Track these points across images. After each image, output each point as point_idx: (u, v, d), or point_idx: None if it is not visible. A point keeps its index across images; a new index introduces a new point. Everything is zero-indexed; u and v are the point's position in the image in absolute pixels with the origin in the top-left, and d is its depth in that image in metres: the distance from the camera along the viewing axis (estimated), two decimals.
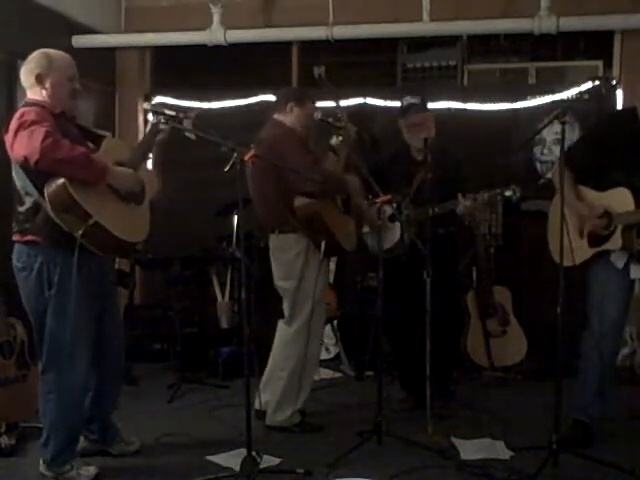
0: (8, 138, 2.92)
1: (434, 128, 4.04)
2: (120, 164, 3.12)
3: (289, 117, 3.82)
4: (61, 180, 2.86)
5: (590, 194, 3.51)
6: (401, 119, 4.12)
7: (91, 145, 3.15)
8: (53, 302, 3.04)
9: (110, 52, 5.88)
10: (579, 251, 3.41)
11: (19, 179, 2.99)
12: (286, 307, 3.87)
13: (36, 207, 2.97)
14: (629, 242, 3.36)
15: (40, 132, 2.79)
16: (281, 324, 3.92)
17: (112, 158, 3.09)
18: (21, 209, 3.01)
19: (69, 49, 5.16)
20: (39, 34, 4.96)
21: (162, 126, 3.29)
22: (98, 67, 5.69)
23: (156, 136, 3.30)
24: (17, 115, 2.91)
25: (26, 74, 3.10)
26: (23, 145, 2.82)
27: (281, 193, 3.72)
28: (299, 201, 3.69)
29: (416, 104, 4.04)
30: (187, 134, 3.36)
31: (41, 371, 3.17)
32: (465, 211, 3.90)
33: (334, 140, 3.83)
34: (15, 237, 3.06)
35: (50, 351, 3.10)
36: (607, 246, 3.42)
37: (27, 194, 2.98)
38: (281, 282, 3.87)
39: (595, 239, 3.47)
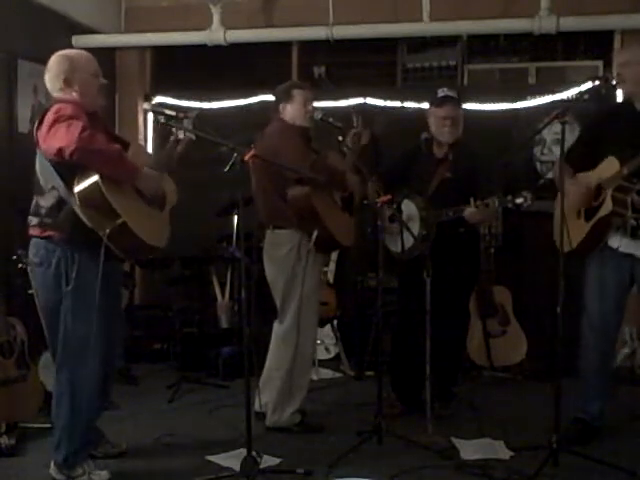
0: (42, 132, 2.93)
1: (462, 127, 4.00)
2: None
3: (287, 116, 3.85)
4: (95, 177, 2.88)
5: (581, 174, 3.56)
6: (434, 109, 4.00)
7: None
8: (69, 298, 3.03)
9: (110, 52, 5.88)
10: (577, 231, 3.43)
11: (45, 173, 3.00)
12: (277, 305, 3.87)
13: (60, 203, 2.97)
14: (620, 205, 3.35)
15: (78, 125, 2.82)
16: (275, 323, 3.92)
17: (138, 163, 3.12)
18: (43, 204, 3.02)
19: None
20: (39, 34, 4.96)
21: (180, 136, 3.30)
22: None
23: (175, 148, 3.32)
24: (53, 110, 2.92)
25: (52, 80, 3.11)
26: (60, 136, 2.83)
27: (276, 185, 3.73)
28: (292, 190, 3.70)
29: (453, 97, 3.98)
30: (187, 134, 3.36)
31: (56, 371, 3.15)
32: (472, 219, 3.81)
33: (342, 139, 3.82)
34: (33, 231, 3.07)
35: (65, 350, 3.09)
36: (601, 213, 3.41)
37: (52, 188, 2.99)
38: (271, 278, 3.88)
39: (590, 213, 3.48)
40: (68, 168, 2.91)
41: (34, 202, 3.08)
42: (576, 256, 3.47)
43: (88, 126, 2.85)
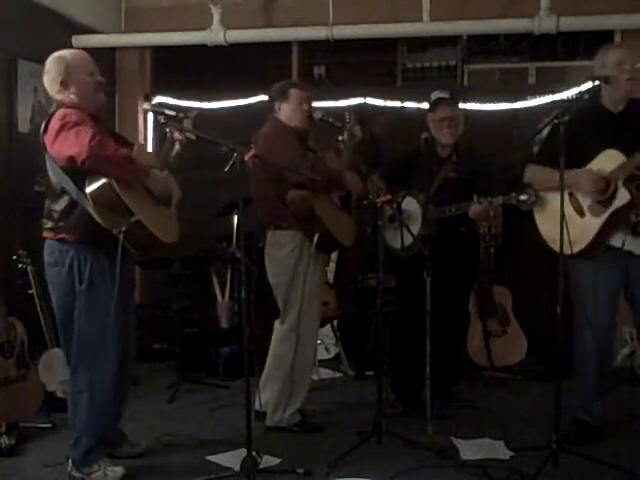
0: (48, 138, 2.96)
1: (463, 125, 4.00)
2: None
3: (283, 115, 3.84)
4: (106, 179, 2.91)
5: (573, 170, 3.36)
6: (430, 114, 4.04)
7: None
8: (83, 298, 3.06)
9: (110, 52, 5.88)
10: (584, 231, 3.33)
11: (56, 178, 3.02)
12: (279, 305, 3.87)
13: (72, 206, 3.00)
14: (637, 195, 3.22)
15: (87, 132, 2.85)
16: (276, 323, 3.92)
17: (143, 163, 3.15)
18: (56, 207, 3.05)
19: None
20: (39, 34, 4.96)
21: (176, 136, 3.30)
22: (98, 67, 5.68)
23: (173, 147, 3.33)
24: (58, 116, 2.94)
25: (50, 83, 3.13)
26: (69, 144, 2.86)
27: (276, 188, 3.72)
28: (291, 193, 3.70)
29: (446, 98, 3.99)
30: (187, 134, 3.36)
31: (72, 370, 3.17)
32: (477, 215, 3.81)
33: (341, 138, 3.81)
34: (47, 234, 3.10)
35: (80, 349, 3.11)
36: (616, 204, 3.28)
37: (64, 192, 3.01)
38: (274, 279, 3.87)
39: (597, 208, 3.34)
40: (78, 171, 2.92)
41: (46, 205, 3.11)
42: (582, 258, 3.36)
43: (97, 132, 2.88)
